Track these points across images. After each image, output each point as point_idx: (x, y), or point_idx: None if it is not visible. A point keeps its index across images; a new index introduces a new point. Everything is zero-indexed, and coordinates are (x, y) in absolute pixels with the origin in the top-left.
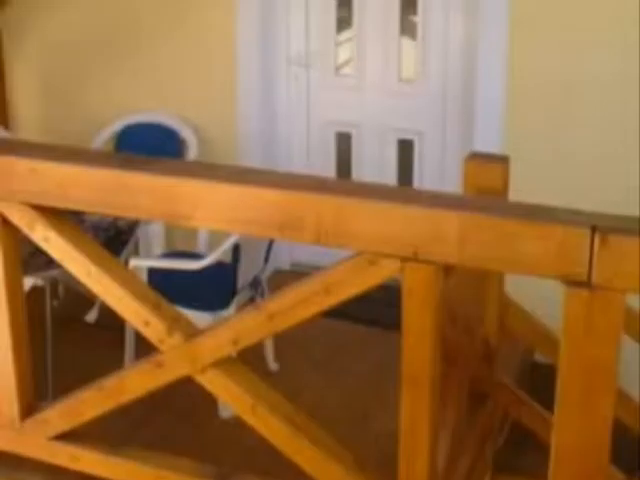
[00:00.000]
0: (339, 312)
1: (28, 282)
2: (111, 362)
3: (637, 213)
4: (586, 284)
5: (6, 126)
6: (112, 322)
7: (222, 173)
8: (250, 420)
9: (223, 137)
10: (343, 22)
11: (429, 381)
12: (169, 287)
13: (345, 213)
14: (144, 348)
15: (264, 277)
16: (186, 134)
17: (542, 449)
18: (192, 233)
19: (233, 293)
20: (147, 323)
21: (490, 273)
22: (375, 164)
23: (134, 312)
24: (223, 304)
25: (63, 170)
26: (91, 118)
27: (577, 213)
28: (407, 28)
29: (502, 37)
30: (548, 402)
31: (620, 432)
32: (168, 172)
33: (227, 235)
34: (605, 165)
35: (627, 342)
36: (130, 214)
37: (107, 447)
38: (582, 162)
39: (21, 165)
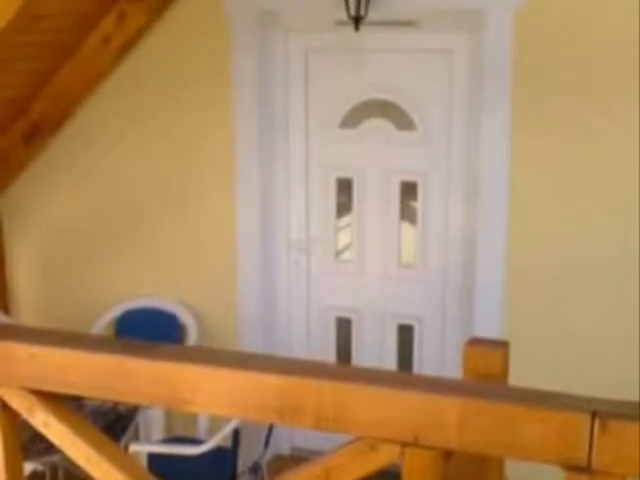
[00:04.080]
0: None
1: (28, 467)
2: None
3: (637, 398)
4: (586, 469)
5: (6, 311)
6: None
7: (222, 358)
8: None
9: (223, 322)
10: (343, 207)
11: None
12: (169, 472)
13: (345, 398)
14: None
15: (264, 462)
16: (186, 319)
17: None
18: (192, 418)
19: (233, 478)
20: None
21: (490, 457)
22: (375, 349)
23: None
24: None
25: (63, 355)
26: (91, 303)
27: (577, 398)
28: (407, 213)
29: (502, 223)
30: None
31: None
32: (168, 357)
33: (227, 419)
34: (605, 349)
35: None
36: (130, 399)
37: None
38: (582, 346)
39: (20, 350)
